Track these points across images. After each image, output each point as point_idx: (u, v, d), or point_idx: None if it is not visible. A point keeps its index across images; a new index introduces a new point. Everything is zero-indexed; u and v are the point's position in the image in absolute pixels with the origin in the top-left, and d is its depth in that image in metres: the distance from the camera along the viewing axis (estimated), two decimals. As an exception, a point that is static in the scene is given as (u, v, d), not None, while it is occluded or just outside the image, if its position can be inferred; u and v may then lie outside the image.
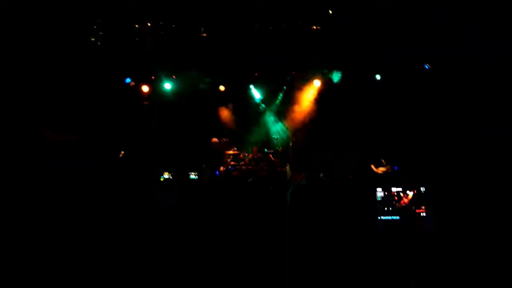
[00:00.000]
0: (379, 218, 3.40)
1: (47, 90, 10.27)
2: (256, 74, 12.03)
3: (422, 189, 3.38)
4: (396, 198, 3.45)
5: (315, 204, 3.56)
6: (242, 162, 11.36)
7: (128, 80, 11.98)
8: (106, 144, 11.26)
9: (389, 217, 3.38)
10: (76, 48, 10.59)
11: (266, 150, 11.65)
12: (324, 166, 9.90)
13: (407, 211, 3.42)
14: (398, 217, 3.36)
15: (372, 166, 9.59)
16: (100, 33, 10.63)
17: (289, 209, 3.90)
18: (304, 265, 3.40)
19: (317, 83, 11.89)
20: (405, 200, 3.43)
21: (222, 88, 12.45)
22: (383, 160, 8.95)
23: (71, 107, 11.06)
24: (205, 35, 10.28)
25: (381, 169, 9.35)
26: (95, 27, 10.58)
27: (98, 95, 11.56)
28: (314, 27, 9.63)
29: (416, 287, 3.08)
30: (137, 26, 10.44)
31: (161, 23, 10.34)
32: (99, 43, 10.74)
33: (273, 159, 11.40)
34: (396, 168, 8.89)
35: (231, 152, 11.59)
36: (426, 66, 10.06)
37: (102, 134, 11.49)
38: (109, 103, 11.82)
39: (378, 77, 11.35)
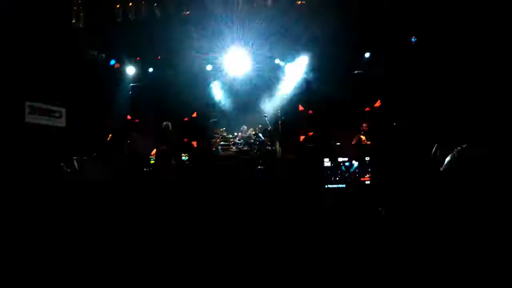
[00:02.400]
0: (326, 186, 3.61)
1: (30, 78, 10.11)
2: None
3: (367, 158, 3.62)
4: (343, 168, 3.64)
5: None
6: (232, 141, 11.31)
7: (112, 62, 11.80)
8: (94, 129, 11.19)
9: (336, 186, 3.60)
10: (58, 31, 10.37)
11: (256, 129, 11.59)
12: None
13: (353, 180, 3.63)
14: (344, 186, 3.58)
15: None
16: (81, 14, 10.36)
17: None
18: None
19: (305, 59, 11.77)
20: (352, 170, 3.63)
21: (209, 67, 12.33)
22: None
23: (58, 91, 10.91)
24: (187, 13, 10.03)
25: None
26: (75, 8, 10.31)
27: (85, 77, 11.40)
28: (299, 2, 9.45)
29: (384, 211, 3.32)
30: (118, 6, 10.16)
31: (143, 2, 10.06)
32: (80, 25, 10.48)
33: (262, 137, 11.35)
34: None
35: (220, 132, 11.53)
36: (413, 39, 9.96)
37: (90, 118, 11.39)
38: (95, 85, 11.68)
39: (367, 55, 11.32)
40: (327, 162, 3.64)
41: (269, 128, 11.50)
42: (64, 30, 10.37)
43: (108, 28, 10.67)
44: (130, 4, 10.33)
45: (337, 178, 3.63)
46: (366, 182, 3.60)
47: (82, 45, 10.81)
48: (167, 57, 11.97)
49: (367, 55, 11.37)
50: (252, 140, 11.17)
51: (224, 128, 11.60)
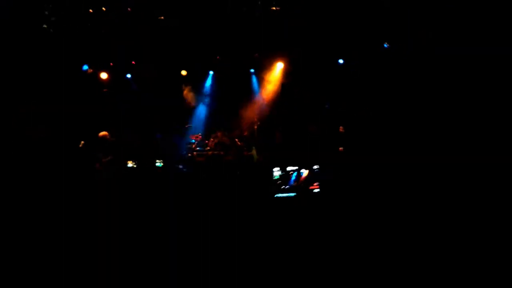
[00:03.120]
0: (275, 196, 3.67)
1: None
2: (218, 57, 11.84)
3: (315, 167, 3.70)
4: (292, 177, 3.72)
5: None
6: (208, 147, 11.24)
7: (85, 67, 11.59)
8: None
9: (286, 194, 3.65)
10: (28, 36, 10.14)
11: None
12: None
13: (302, 188, 3.71)
14: (293, 194, 3.64)
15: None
16: (52, 19, 10.14)
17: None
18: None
19: (280, 65, 11.88)
20: (301, 178, 3.70)
21: (184, 72, 12.28)
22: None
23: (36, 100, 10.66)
24: (162, 17, 9.96)
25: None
26: (46, 12, 10.08)
27: (55, 84, 11.17)
28: (274, 8, 9.51)
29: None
30: (91, 11, 10.00)
31: (115, 7, 9.94)
32: (51, 30, 10.26)
33: (239, 143, 11.33)
34: None
35: (195, 137, 11.45)
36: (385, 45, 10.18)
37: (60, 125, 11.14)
38: (67, 91, 11.45)
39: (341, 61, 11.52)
40: (276, 171, 3.69)
41: (245, 134, 11.51)
42: (34, 35, 10.17)
43: (80, 33, 10.49)
44: (104, 9, 10.19)
45: (287, 187, 3.68)
46: (315, 190, 3.68)
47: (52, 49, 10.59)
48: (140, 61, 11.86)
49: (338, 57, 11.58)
50: (227, 145, 11.14)
51: (200, 134, 11.53)
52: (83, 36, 10.56)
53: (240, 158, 11.04)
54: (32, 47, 10.40)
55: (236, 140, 11.35)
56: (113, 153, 8.83)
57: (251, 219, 3.79)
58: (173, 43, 11.07)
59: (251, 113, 12.12)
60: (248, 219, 3.79)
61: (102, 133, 9.40)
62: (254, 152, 11.36)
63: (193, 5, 10.04)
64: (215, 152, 11.00)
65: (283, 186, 3.66)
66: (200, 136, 11.47)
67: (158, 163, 10.97)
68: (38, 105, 10.62)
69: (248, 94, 12.47)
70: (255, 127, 11.66)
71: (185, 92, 12.71)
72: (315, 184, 3.71)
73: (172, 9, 10.24)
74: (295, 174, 3.69)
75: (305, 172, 3.70)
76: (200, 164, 10.80)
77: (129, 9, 10.06)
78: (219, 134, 11.28)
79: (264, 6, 9.90)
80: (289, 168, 3.67)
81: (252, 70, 12.45)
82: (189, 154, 11.23)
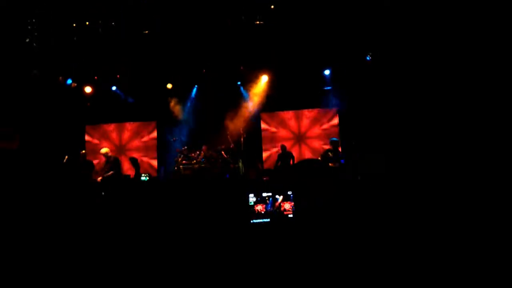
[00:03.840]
0: (251, 221, 3.74)
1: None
2: (204, 70, 11.88)
3: (289, 192, 3.78)
4: (267, 202, 3.80)
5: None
6: (194, 161, 11.20)
7: (69, 81, 11.52)
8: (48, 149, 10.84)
9: (261, 220, 3.73)
10: (11, 50, 10.06)
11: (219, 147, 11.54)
12: None
13: (277, 213, 3.78)
14: (268, 220, 3.73)
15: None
16: (35, 33, 10.07)
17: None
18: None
19: (265, 78, 11.98)
20: (276, 204, 3.78)
21: (169, 85, 12.30)
22: (330, 154, 9.00)
23: (11, 112, 10.55)
24: (146, 32, 9.98)
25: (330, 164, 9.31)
26: (29, 27, 10.01)
27: (38, 98, 11.10)
28: (258, 22, 9.61)
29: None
30: (74, 25, 9.96)
31: (100, 21, 9.91)
32: (34, 44, 10.18)
33: (225, 156, 11.32)
34: (342, 161, 8.97)
35: (181, 150, 11.40)
36: (368, 58, 10.37)
37: (44, 139, 11.05)
38: (50, 106, 11.39)
39: (327, 72, 11.70)
40: (252, 198, 3.77)
41: (231, 146, 11.51)
42: (17, 50, 10.09)
43: (64, 47, 10.44)
44: (87, 23, 10.16)
45: (262, 212, 3.76)
46: (289, 216, 3.75)
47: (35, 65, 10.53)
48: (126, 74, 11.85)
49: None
50: (213, 159, 11.13)
51: (186, 147, 11.48)
52: (66, 50, 10.50)
53: (227, 171, 11.06)
54: (16, 60, 10.34)
55: (223, 152, 11.35)
56: (114, 168, 8.95)
57: (228, 243, 3.85)
58: (158, 56, 11.09)
59: (238, 125, 12.16)
60: (225, 243, 3.86)
61: (104, 149, 9.43)
62: (240, 164, 11.39)
63: (179, 18, 10.08)
64: (202, 165, 10.98)
65: (258, 212, 3.73)
66: (186, 149, 11.42)
67: (144, 177, 10.93)
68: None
69: (234, 106, 12.51)
70: (242, 139, 11.68)
71: (171, 104, 12.72)
72: (288, 209, 3.78)
73: (157, 22, 10.28)
74: (270, 199, 3.76)
75: (280, 198, 3.77)
76: (187, 177, 10.77)
77: (112, 23, 10.06)
78: (204, 148, 11.24)
79: (248, 20, 10.02)
80: (264, 194, 3.75)
81: (239, 83, 12.50)
82: (175, 168, 11.19)
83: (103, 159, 9.61)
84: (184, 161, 11.21)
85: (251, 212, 3.75)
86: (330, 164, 9.04)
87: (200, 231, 4.03)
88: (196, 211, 4.49)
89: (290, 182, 3.92)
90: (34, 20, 10.08)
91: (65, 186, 8.59)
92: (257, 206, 3.75)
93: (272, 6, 9.25)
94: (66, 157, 10.23)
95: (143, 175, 10.97)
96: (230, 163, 11.24)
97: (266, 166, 12.41)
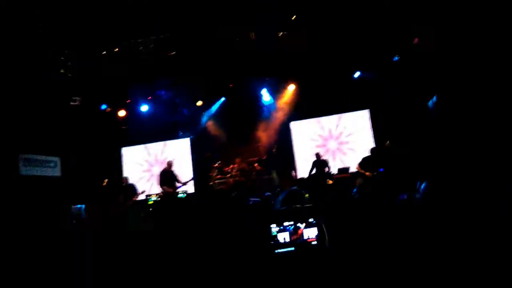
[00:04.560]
0: (275, 252, 3.72)
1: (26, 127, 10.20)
2: (231, 85, 12.02)
3: (311, 220, 3.72)
4: (290, 230, 3.78)
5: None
6: (229, 175, 11.29)
7: (104, 106, 11.93)
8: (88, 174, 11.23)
9: (285, 249, 3.70)
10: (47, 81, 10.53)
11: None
12: None
13: (301, 242, 3.74)
14: (293, 248, 3.68)
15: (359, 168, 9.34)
16: (69, 63, 10.52)
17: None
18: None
19: (291, 88, 12.01)
20: (299, 232, 3.75)
21: (199, 103, 12.50)
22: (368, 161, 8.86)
23: (53, 140, 11.00)
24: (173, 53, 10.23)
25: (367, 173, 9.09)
26: (62, 58, 10.47)
27: (76, 124, 11.54)
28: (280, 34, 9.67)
29: None
30: (104, 52, 10.35)
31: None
32: (69, 74, 10.63)
33: (258, 167, 11.36)
34: (381, 170, 8.75)
35: (216, 165, 11.51)
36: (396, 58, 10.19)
37: (84, 164, 11.45)
38: (87, 131, 11.81)
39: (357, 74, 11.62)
40: (274, 228, 3.77)
41: (263, 157, 11.55)
42: (53, 79, 10.54)
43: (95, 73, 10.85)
44: (117, 49, 10.52)
45: (286, 242, 3.75)
46: (313, 243, 3.70)
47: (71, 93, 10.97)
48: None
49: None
50: (247, 171, 11.18)
51: (219, 162, 11.60)
52: (99, 77, 10.90)
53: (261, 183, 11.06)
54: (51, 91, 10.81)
55: (256, 165, 11.39)
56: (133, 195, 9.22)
57: (252, 274, 3.89)
58: (185, 74, 11.30)
59: (269, 136, 12.20)
60: (249, 274, 3.90)
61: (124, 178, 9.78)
62: (274, 175, 11.37)
63: (201, 36, 10.28)
64: (237, 179, 11.03)
65: (282, 241, 3.74)
66: (220, 164, 11.52)
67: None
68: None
69: (263, 117, 12.60)
70: (273, 150, 11.67)
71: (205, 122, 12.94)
72: (312, 237, 3.76)
73: (182, 42, 10.51)
74: (291, 228, 3.76)
75: (302, 226, 3.76)
76: (222, 192, 10.85)
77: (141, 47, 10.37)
78: (237, 160, 11.32)
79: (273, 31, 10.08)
80: (286, 223, 3.74)
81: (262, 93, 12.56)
82: (210, 183, 11.30)
83: None
84: (218, 176, 11.32)
85: (275, 242, 3.75)
86: (366, 174, 8.91)
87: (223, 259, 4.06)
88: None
89: (316, 208, 3.84)
90: (66, 51, 10.56)
91: (106, 209, 8.85)
92: (280, 235, 3.75)
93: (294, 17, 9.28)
94: (106, 180, 10.57)
95: (180, 192, 11.12)
96: (264, 175, 11.26)
97: (299, 175, 12.34)
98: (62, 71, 10.66)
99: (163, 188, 10.06)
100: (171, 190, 10.02)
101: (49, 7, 8.68)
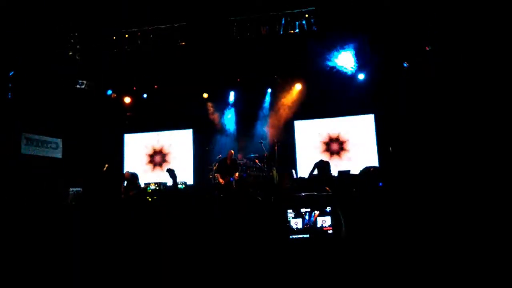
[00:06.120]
0: (290, 237, 3.72)
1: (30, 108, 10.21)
2: (238, 79, 11.99)
3: (328, 209, 3.72)
4: (306, 217, 3.76)
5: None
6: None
7: (109, 92, 11.93)
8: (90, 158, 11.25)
9: (300, 236, 3.70)
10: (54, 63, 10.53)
11: (252, 155, 11.57)
12: None
13: (315, 229, 3.73)
14: (307, 235, 3.68)
15: None
16: (78, 46, 10.51)
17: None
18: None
19: (298, 86, 11.96)
20: (313, 219, 3.74)
21: (205, 95, 12.47)
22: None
23: (55, 122, 11.01)
24: (183, 43, 10.20)
25: None
26: (72, 41, 10.47)
27: (81, 108, 11.54)
28: (292, 32, 9.63)
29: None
30: (114, 38, 10.34)
31: (139, 33, 10.24)
32: (77, 57, 10.62)
33: (259, 163, 11.32)
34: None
35: (216, 159, 11.47)
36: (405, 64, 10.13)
37: (86, 147, 11.48)
38: (92, 116, 11.82)
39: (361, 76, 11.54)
40: (290, 213, 3.74)
41: (265, 154, 11.50)
42: (60, 62, 10.54)
43: (104, 58, 10.83)
44: (126, 36, 10.51)
45: (299, 228, 3.74)
46: (329, 232, 3.68)
47: (77, 76, 10.97)
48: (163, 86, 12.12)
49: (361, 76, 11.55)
50: (248, 167, 11.15)
51: (220, 156, 11.57)
52: (107, 62, 10.89)
53: (261, 179, 11.02)
54: (58, 73, 10.81)
55: (256, 160, 11.35)
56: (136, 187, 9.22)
57: (267, 259, 3.83)
58: (194, 66, 11.27)
59: (271, 133, 12.17)
60: (264, 259, 3.84)
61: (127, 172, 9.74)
62: (274, 173, 11.33)
63: (213, 29, 10.26)
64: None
65: (297, 227, 3.71)
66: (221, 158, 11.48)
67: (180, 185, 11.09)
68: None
69: (267, 114, 12.57)
70: (275, 147, 11.63)
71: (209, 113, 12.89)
72: (328, 226, 3.74)
73: (193, 33, 10.49)
74: (307, 214, 3.73)
75: (316, 213, 3.74)
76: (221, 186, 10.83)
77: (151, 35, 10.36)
78: (239, 156, 11.29)
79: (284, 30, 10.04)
80: (303, 210, 3.71)
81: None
82: (210, 176, 11.28)
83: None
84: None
85: (290, 228, 3.73)
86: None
87: (238, 245, 4.01)
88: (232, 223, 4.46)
89: (329, 196, 3.79)
90: (76, 34, 10.55)
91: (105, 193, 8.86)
92: (293, 220, 3.73)
93: (306, 15, 9.25)
94: (106, 165, 10.57)
95: (179, 183, 11.12)
96: (264, 171, 11.22)
97: (300, 174, 12.30)
98: (70, 53, 10.68)
99: (216, 176, 10.38)
100: (222, 181, 10.14)
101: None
